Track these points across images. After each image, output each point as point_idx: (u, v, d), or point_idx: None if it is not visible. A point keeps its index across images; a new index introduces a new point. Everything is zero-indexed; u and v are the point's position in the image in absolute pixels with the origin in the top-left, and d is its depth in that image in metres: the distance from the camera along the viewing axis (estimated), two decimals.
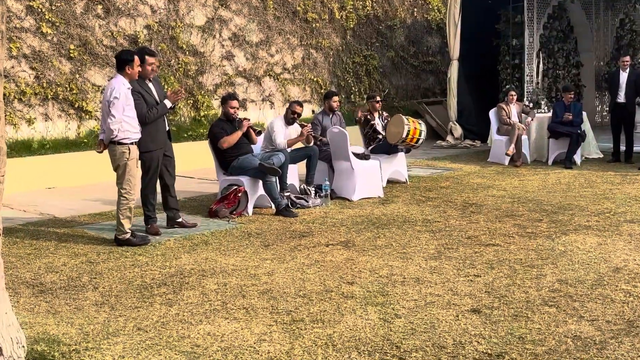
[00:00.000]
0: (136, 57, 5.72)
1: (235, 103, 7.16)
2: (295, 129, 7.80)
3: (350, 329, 3.77)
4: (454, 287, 4.48)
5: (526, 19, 12.72)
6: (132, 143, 5.71)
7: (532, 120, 10.55)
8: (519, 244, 5.60)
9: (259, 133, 7.39)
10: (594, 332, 3.68)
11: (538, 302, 4.17)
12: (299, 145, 7.94)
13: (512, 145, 10.12)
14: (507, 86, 12.29)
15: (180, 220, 6.43)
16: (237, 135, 7.05)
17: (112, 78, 6.11)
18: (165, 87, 9.71)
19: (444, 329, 3.75)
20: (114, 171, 5.79)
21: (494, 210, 6.98)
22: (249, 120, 7.26)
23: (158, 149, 6.15)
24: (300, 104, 7.86)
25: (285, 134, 7.65)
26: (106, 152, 5.80)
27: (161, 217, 6.50)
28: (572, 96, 10.42)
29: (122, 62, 5.68)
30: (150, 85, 6.15)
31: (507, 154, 10.20)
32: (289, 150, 7.58)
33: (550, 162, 10.32)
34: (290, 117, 7.74)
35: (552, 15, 13.73)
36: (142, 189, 6.22)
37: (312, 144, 7.87)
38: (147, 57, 6.03)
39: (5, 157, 3.16)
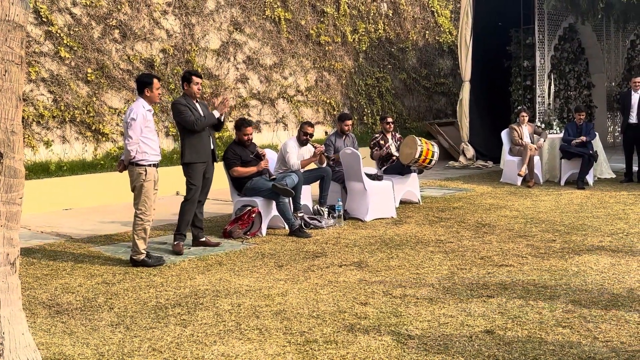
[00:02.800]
0: (155, 80, 5.86)
1: (249, 130, 7.14)
2: (308, 150, 7.87)
3: (364, 350, 3.78)
4: (467, 308, 4.48)
5: (537, 41, 12.80)
6: (150, 165, 5.81)
7: (544, 141, 10.56)
8: (532, 265, 5.59)
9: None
10: (609, 354, 3.66)
11: (552, 323, 4.17)
12: (312, 166, 8.00)
13: (525, 166, 10.12)
14: (519, 107, 12.33)
15: (203, 239, 6.53)
16: (250, 170, 7.10)
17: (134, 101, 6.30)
18: None
19: (458, 350, 3.76)
20: (131, 191, 5.89)
21: (506, 231, 6.98)
22: (267, 159, 7.28)
23: (200, 162, 6.31)
24: (311, 124, 7.94)
25: (298, 155, 7.72)
26: (126, 172, 5.92)
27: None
28: (584, 117, 10.44)
29: (142, 84, 5.83)
30: (197, 105, 6.36)
31: (519, 175, 10.20)
32: (302, 171, 7.65)
33: (562, 182, 10.31)
34: (303, 138, 7.82)
35: (562, 37, 13.80)
36: (182, 202, 6.40)
37: (325, 164, 7.94)
38: (193, 77, 6.31)
39: (24, 180, 3.24)
